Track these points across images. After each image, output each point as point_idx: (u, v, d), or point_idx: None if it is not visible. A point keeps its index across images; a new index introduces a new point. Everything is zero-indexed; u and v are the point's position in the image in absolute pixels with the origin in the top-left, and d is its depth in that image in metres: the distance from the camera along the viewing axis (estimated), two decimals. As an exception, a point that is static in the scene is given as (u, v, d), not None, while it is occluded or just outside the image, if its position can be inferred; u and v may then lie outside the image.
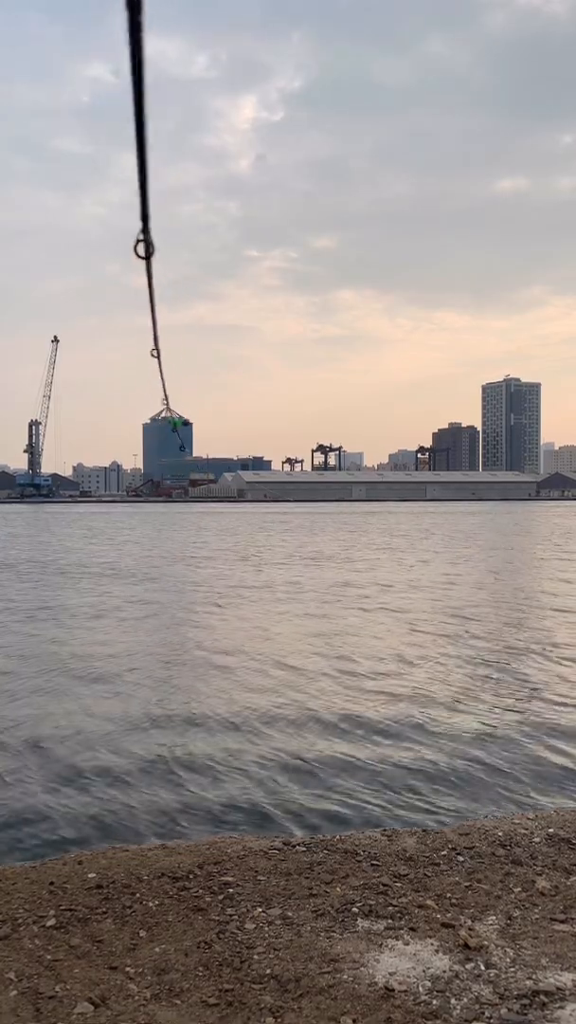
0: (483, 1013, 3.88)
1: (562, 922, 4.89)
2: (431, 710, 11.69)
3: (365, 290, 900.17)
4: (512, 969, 4.30)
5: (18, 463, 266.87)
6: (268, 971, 4.30)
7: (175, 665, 15.03)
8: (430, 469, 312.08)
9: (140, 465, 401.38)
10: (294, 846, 6.26)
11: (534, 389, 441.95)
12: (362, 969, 4.30)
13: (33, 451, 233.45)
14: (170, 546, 50.24)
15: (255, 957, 4.45)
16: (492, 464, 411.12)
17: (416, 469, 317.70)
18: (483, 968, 4.31)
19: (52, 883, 5.53)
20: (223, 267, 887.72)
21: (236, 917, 4.97)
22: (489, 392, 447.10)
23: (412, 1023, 3.81)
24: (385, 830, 6.85)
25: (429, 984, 4.14)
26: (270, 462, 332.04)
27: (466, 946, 4.54)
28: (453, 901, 5.18)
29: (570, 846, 6.21)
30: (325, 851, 6.12)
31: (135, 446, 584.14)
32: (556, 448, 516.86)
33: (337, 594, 25.49)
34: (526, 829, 6.59)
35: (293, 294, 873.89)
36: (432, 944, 4.59)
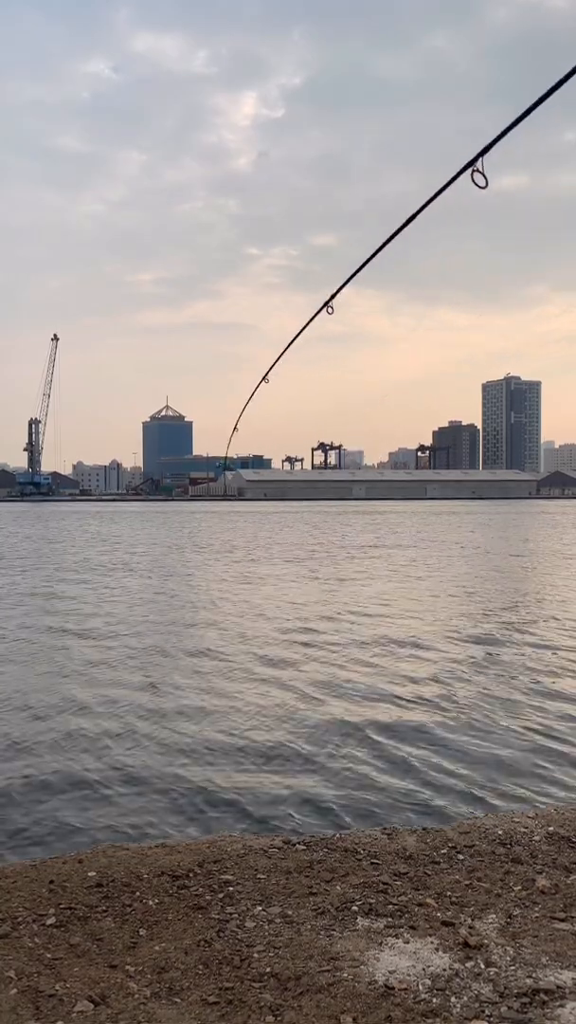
0: (483, 1011, 3.88)
1: (562, 920, 4.89)
2: (431, 709, 11.69)
3: (366, 288, 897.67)
4: (512, 967, 4.30)
5: (18, 462, 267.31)
6: (268, 969, 4.29)
7: (166, 654, 15.03)
8: (430, 467, 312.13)
9: (140, 464, 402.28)
10: (294, 844, 6.26)
11: (534, 387, 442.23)
12: (362, 967, 4.30)
13: (33, 449, 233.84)
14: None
15: (255, 955, 4.45)
16: (492, 462, 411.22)
17: (416, 467, 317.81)
18: (483, 966, 4.31)
19: (52, 882, 5.52)
20: (223, 265, 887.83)
21: (236, 915, 4.96)
22: (489, 390, 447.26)
23: (412, 1021, 3.81)
24: (385, 828, 6.85)
25: (429, 982, 4.14)
26: (270, 460, 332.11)
27: (466, 944, 4.54)
28: (453, 899, 5.18)
29: (570, 844, 6.21)
30: (325, 849, 6.11)
31: (135, 444, 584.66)
32: (556, 446, 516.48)
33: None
34: (526, 827, 6.59)
35: (293, 292, 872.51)
36: (432, 942, 4.58)
